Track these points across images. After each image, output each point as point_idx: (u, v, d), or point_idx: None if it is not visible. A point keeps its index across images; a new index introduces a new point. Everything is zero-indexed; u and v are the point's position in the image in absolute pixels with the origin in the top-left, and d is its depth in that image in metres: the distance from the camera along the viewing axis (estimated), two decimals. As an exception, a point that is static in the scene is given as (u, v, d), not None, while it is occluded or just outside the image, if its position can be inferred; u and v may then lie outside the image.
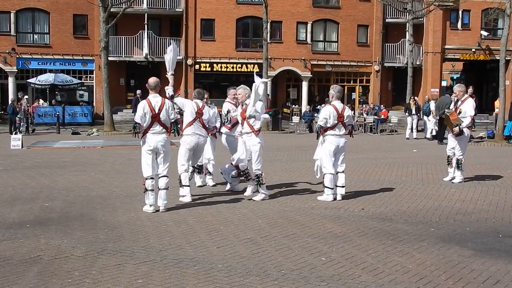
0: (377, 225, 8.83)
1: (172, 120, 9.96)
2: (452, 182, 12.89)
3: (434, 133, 25.91)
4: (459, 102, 13.05)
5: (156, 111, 9.65)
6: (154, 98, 9.76)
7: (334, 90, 10.99)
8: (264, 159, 12.27)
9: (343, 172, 10.94)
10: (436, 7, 39.14)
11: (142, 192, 10.00)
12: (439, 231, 8.48)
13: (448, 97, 21.55)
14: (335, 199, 10.76)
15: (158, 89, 9.90)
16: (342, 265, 6.74)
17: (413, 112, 27.76)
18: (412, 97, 30.58)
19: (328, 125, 10.77)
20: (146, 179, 9.68)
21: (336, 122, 10.76)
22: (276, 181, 12.95)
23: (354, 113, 37.38)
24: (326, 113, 10.84)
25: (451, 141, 13.11)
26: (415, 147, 22.52)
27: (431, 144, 23.90)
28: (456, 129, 12.61)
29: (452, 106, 13.40)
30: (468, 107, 12.87)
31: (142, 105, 9.67)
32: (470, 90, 22.37)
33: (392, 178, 13.71)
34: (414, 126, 27.70)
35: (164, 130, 9.75)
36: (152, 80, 9.90)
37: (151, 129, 9.67)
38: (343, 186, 10.92)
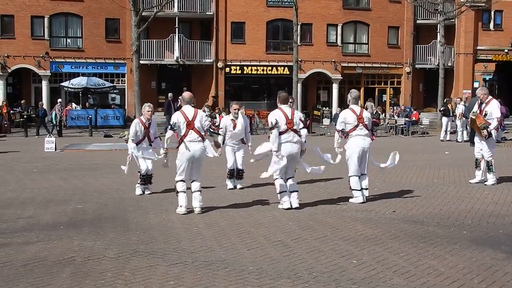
0: (408, 227, 8.77)
1: (206, 128, 10.05)
2: (485, 184, 12.72)
3: (465, 135, 25.57)
4: (483, 104, 12.92)
5: (190, 118, 9.78)
6: (187, 109, 9.97)
7: (351, 95, 11.15)
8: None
9: (365, 174, 10.95)
10: (468, 8, 38.63)
11: (173, 194, 10.10)
12: (472, 233, 8.38)
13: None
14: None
15: (192, 103, 10.18)
16: (373, 268, 6.72)
17: (450, 113, 27.46)
18: (448, 99, 30.19)
19: (349, 128, 10.78)
20: (177, 181, 9.79)
21: (356, 123, 10.79)
22: (307, 183, 12.94)
23: (385, 115, 37.20)
24: (343, 117, 10.95)
25: (478, 143, 12.96)
26: (447, 149, 22.27)
27: (463, 146, 23.59)
28: (485, 132, 12.46)
29: (476, 108, 13.22)
30: (493, 108, 12.73)
31: (176, 115, 9.91)
32: None
33: (423, 181, 13.59)
34: (448, 128, 27.40)
35: (200, 138, 9.85)
36: (187, 94, 10.23)
37: (187, 137, 9.77)
38: (366, 189, 10.93)
